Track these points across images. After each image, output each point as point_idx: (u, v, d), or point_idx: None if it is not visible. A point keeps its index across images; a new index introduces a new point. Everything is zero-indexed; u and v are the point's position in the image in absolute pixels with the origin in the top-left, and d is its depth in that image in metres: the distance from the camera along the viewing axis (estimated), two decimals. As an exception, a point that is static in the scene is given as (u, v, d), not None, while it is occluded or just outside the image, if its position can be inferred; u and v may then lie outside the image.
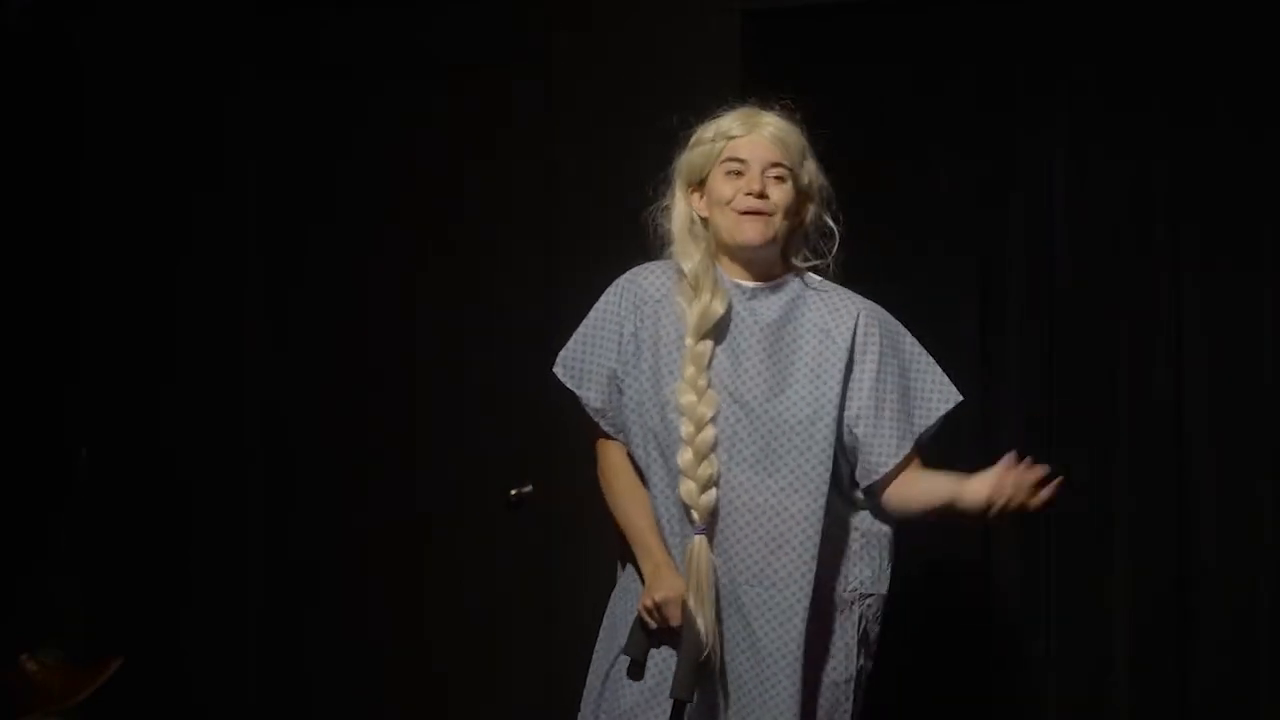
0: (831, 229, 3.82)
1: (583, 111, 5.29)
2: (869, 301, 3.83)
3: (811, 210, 3.81)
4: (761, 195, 3.71)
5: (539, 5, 5.34)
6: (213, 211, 5.70)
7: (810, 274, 3.83)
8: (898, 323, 3.83)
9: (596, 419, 3.81)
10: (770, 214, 3.72)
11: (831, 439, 3.69)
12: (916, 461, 3.77)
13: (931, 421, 3.80)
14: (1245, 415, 4.69)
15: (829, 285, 3.83)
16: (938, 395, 3.81)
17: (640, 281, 3.81)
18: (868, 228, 4.95)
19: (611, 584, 3.90)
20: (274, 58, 5.64)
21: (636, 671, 3.72)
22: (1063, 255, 4.86)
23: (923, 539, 4.91)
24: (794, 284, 3.80)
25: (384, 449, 5.54)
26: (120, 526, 5.74)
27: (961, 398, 3.83)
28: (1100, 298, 4.82)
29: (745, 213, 3.71)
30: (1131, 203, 4.81)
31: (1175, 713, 4.73)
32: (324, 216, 5.62)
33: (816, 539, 3.66)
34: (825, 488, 3.68)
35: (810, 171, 3.80)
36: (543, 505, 5.27)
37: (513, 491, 5.27)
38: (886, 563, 3.82)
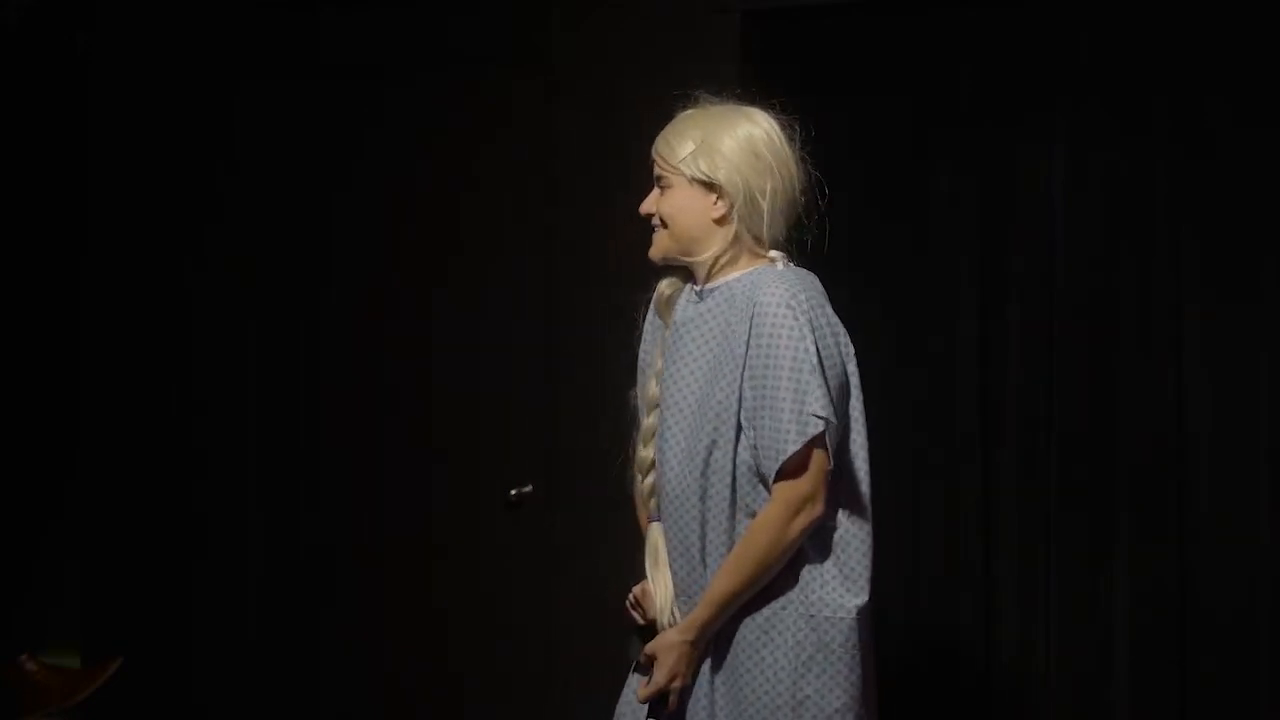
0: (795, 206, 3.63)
1: (583, 111, 5.30)
2: (783, 294, 3.54)
3: (729, 195, 3.59)
4: (648, 214, 3.67)
5: (539, 5, 5.35)
6: (215, 212, 5.70)
7: (776, 264, 3.63)
8: (785, 328, 3.52)
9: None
10: (656, 228, 3.67)
11: (732, 435, 3.56)
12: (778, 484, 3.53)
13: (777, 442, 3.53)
14: (1245, 416, 4.69)
15: (770, 275, 3.59)
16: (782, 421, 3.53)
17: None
18: (868, 228, 4.99)
19: (618, 582, 3.90)
20: (274, 58, 5.64)
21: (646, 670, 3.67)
22: (1063, 256, 4.86)
23: (921, 545, 4.97)
24: (741, 281, 3.61)
25: (385, 448, 5.55)
26: (121, 525, 5.74)
27: (794, 444, 3.49)
28: (1100, 299, 4.82)
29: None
30: (1132, 204, 4.81)
31: (1175, 713, 4.73)
32: (323, 216, 5.62)
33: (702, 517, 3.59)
34: (728, 478, 3.56)
35: (712, 158, 3.60)
36: (542, 505, 5.27)
37: (512, 491, 5.28)
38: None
